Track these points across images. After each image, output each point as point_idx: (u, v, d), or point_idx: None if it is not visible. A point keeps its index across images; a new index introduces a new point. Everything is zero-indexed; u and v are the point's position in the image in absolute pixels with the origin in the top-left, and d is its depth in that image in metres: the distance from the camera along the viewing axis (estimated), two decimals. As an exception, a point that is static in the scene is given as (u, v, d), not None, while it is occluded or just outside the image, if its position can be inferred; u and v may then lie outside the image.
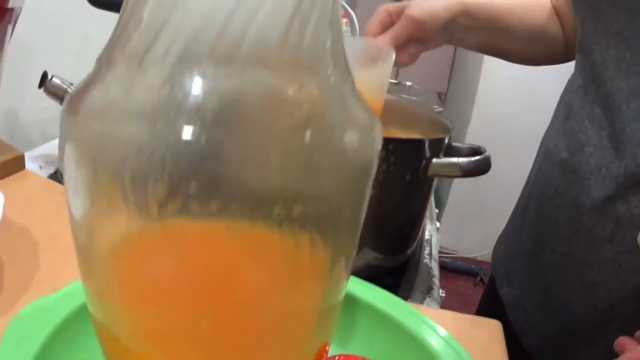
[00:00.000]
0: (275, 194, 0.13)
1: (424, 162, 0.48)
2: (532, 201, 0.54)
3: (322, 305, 0.19)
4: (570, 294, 0.48)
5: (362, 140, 0.14)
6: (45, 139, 0.81)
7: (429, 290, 0.51)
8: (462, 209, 2.23)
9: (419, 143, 0.48)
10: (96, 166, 0.15)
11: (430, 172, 0.48)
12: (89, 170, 0.15)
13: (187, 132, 0.12)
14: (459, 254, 2.33)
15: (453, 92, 2.68)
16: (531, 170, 0.59)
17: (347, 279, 0.20)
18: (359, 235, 0.18)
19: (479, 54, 1.95)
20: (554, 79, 1.79)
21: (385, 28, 0.50)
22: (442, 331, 0.30)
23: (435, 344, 0.28)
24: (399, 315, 0.30)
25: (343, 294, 0.21)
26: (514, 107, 1.94)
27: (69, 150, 0.16)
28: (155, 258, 0.16)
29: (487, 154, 0.50)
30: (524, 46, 0.58)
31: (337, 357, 0.26)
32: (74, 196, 0.16)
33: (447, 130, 0.54)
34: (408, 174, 0.48)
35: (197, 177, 0.13)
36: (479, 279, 2.18)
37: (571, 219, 0.47)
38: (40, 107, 0.86)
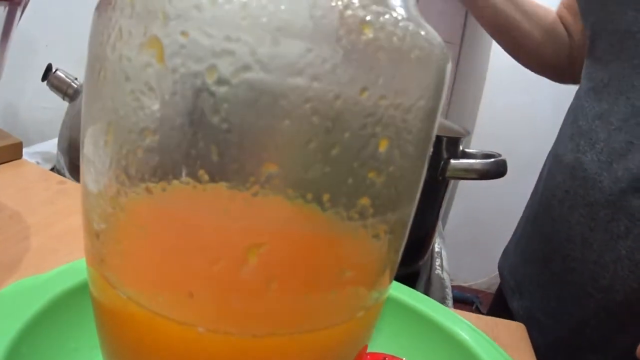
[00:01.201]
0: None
1: (442, 162, 0.46)
2: (541, 208, 0.53)
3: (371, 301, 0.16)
4: (585, 300, 0.46)
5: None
6: (43, 139, 0.79)
7: (443, 301, 0.49)
8: (457, 238, 2.22)
9: (438, 140, 0.46)
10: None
11: (448, 174, 0.46)
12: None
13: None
14: (455, 283, 2.31)
15: (451, 119, 2.70)
16: (538, 180, 0.58)
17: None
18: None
19: (481, 77, 1.98)
20: (552, 107, 1.81)
21: None
22: (472, 326, 0.28)
23: (467, 337, 0.26)
24: (428, 310, 0.28)
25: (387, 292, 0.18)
26: (512, 135, 1.95)
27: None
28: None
29: (502, 157, 0.48)
30: (534, 33, 0.59)
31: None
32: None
33: (461, 133, 0.52)
34: (426, 174, 0.46)
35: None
36: (474, 307, 2.16)
37: (584, 218, 0.46)
38: (40, 107, 0.85)
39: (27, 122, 0.84)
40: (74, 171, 0.59)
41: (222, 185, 0.11)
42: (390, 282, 0.16)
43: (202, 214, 0.11)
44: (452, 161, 0.46)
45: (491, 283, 2.28)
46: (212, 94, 0.10)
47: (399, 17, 0.11)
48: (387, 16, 0.10)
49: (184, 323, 0.12)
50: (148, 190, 0.12)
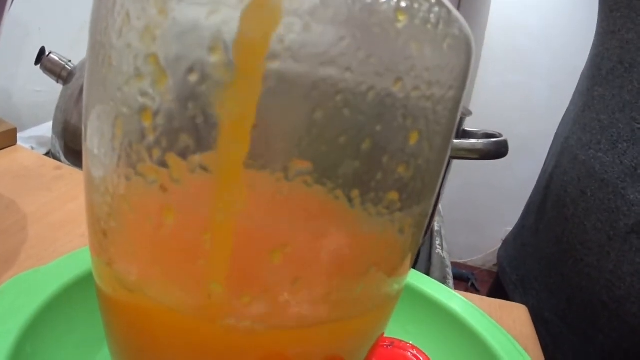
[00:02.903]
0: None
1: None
2: (550, 200, 0.50)
3: (392, 289, 0.16)
4: (598, 308, 0.43)
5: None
6: (37, 123, 0.79)
7: (444, 280, 0.49)
8: (453, 216, 2.24)
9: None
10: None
11: (450, 154, 0.46)
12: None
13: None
14: (451, 260, 2.33)
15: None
16: (547, 164, 0.54)
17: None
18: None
19: (474, 58, 1.96)
20: (547, 86, 1.81)
21: None
22: (478, 310, 0.28)
23: (472, 320, 0.26)
24: (433, 293, 0.28)
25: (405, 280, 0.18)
26: (507, 115, 1.95)
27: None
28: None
29: (504, 137, 0.48)
30: None
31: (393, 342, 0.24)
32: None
33: (463, 113, 0.52)
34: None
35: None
36: (470, 284, 2.18)
37: (602, 224, 0.42)
38: (33, 90, 0.83)
39: (21, 106, 0.83)
40: (70, 154, 0.58)
41: (247, 180, 0.10)
42: (409, 271, 0.16)
43: (220, 210, 0.11)
44: (454, 141, 0.45)
45: (486, 260, 2.31)
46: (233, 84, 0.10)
47: (433, 1, 0.10)
48: (424, 6, 0.10)
49: (202, 318, 0.12)
50: (161, 184, 0.12)
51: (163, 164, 0.11)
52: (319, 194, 0.10)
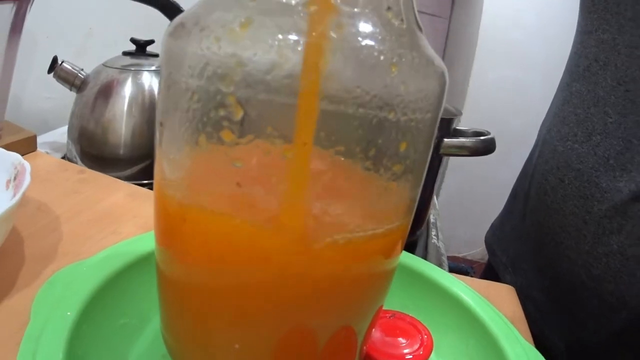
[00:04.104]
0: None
1: (436, 141, 0.50)
2: (534, 187, 0.53)
3: (390, 266, 0.21)
4: (578, 287, 0.46)
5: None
6: (48, 129, 0.80)
7: (439, 266, 0.52)
8: (451, 210, 2.26)
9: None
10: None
11: (441, 151, 0.50)
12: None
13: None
14: (449, 254, 2.35)
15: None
16: (528, 160, 0.58)
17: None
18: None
19: (469, 53, 1.99)
20: (542, 80, 1.83)
21: None
22: (469, 287, 0.32)
23: (465, 295, 0.30)
24: (429, 272, 0.32)
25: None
26: (503, 108, 1.97)
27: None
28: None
29: (491, 135, 0.52)
30: None
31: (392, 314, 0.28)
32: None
33: (453, 113, 0.56)
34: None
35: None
36: (468, 277, 2.20)
37: (578, 209, 0.45)
38: (42, 97, 0.85)
39: (31, 113, 0.85)
40: (86, 159, 0.62)
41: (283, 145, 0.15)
42: (401, 251, 0.20)
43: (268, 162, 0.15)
44: (446, 140, 0.50)
45: (484, 254, 2.31)
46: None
47: (415, 55, 0.14)
48: (407, 56, 0.14)
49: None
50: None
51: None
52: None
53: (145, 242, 0.30)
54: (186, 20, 0.15)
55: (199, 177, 0.17)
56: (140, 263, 0.29)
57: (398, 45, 0.15)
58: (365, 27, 0.14)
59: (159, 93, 0.17)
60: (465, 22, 2.12)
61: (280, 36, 0.14)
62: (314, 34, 0.14)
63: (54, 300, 0.25)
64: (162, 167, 0.18)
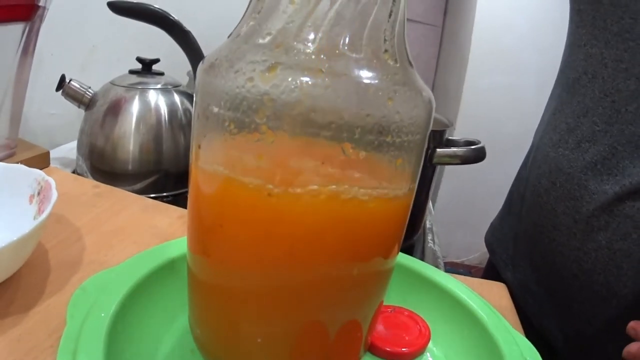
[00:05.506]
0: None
1: (429, 151, 0.53)
2: (528, 194, 0.56)
3: (388, 266, 0.24)
4: (571, 280, 0.50)
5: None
6: (54, 145, 0.81)
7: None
8: (448, 216, 2.28)
9: (425, 133, 0.53)
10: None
11: (435, 161, 0.53)
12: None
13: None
14: (447, 259, 2.37)
15: (437, 98, 2.74)
16: (524, 164, 0.61)
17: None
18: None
19: (462, 60, 2.02)
20: (535, 88, 1.85)
21: None
22: (463, 284, 0.35)
23: (460, 292, 0.33)
24: (426, 271, 0.35)
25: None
26: (496, 114, 1.99)
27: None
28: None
29: (481, 144, 0.55)
30: None
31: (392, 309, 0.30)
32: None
33: (445, 125, 0.59)
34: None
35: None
36: (467, 281, 2.21)
37: (569, 209, 0.49)
38: (48, 113, 0.87)
39: (37, 130, 0.85)
40: (96, 174, 0.64)
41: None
42: (398, 252, 0.24)
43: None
44: (438, 150, 0.53)
45: (482, 258, 2.33)
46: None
47: (406, 89, 0.18)
48: (400, 91, 0.18)
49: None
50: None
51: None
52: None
53: (167, 250, 0.33)
54: (218, 62, 0.19)
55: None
56: (164, 269, 0.32)
57: (393, 83, 0.19)
58: (367, 69, 0.18)
59: (194, 120, 0.21)
60: (457, 30, 2.15)
61: (302, 78, 0.17)
62: (327, 79, 0.17)
63: (89, 304, 0.27)
64: (197, 182, 0.21)
